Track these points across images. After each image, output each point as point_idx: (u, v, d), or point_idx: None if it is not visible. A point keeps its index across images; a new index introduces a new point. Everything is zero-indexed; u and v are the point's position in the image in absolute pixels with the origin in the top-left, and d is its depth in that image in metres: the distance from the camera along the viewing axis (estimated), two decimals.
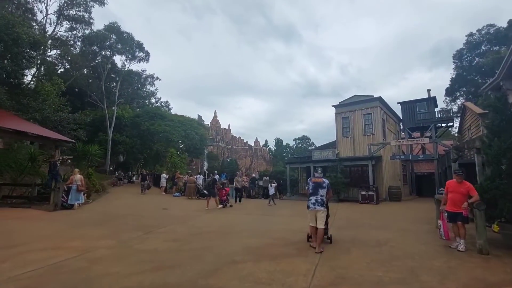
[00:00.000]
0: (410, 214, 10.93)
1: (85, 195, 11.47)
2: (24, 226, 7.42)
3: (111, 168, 34.63)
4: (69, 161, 11.75)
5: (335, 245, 5.64)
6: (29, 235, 6.37)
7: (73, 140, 11.86)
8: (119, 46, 26.59)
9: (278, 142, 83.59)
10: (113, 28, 26.56)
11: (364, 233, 6.91)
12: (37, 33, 17.03)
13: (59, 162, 10.89)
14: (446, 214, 5.69)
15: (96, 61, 28.55)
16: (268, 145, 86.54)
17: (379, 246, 5.49)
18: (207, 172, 32.61)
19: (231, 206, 12.63)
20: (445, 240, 5.92)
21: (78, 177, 10.34)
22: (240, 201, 14.14)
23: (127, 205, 12.13)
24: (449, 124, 22.92)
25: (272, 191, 14.34)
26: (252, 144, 79.17)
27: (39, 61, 21.21)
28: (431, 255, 4.94)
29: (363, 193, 14.53)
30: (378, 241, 5.92)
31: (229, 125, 74.88)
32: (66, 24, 24.39)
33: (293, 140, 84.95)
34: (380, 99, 17.49)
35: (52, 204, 9.90)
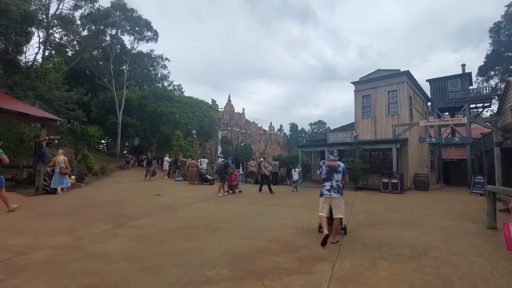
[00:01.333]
0: (444, 207, 9.07)
1: (74, 178, 10.45)
2: None
3: (125, 152, 34.35)
4: (56, 141, 10.69)
5: (353, 251, 4.08)
6: None
7: (60, 119, 10.76)
8: (123, 23, 25.21)
9: (293, 127, 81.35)
10: (118, 5, 25.17)
11: (392, 233, 5.27)
12: (32, 7, 15.80)
13: (45, 142, 9.84)
14: None
15: (105, 43, 27.50)
16: (283, 130, 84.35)
17: (418, 258, 3.85)
18: (220, 156, 31.59)
19: (240, 191, 11.50)
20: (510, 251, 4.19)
21: (61, 158, 9.23)
22: (271, 191, 11.51)
23: (120, 190, 11.04)
24: (486, 105, 20.17)
25: (296, 176, 13.23)
26: (267, 129, 77.20)
27: (40, 39, 20.43)
28: (501, 278, 3.26)
29: (386, 180, 12.68)
30: (413, 248, 4.28)
31: (243, 109, 72.74)
32: (69, 1, 23.18)
33: (309, 125, 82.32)
34: (407, 73, 15.10)
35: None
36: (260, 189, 11.95)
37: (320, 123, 79.57)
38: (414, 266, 3.51)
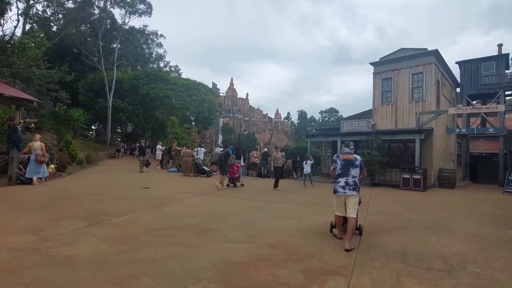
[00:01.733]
0: (475, 208, 8.57)
1: (53, 167, 10.16)
2: None
3: (118, 139, 34.13)
4: (33, 125, 10.36)
5: (372, 262, 3.66)
6: None
7: (36, 99, 10.36)
8: None
9: (302, 114, 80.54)
10: None
11: (417, 239, 4.84)
12: None
13: (20, 126, 9.50)
14: None
15: (93, 17, 26.85)
16: (291, 118, 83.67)
17: (453, 273, 3.41)
18: (219, 145, 31.28)
19: (242, 185, 11.26)
20: None
21: (37, 144, 8.90)
22: (276, 186, 10.93)
23: (105, 181, 10.76)
24: None
25: (307, 169, 12.89)
26: (273, 117, 76.38)
27: (19, 11, 19.94)
28: None
29: (406, 176, 12.18)
30: (446, 260, 3.83)
31: (247, 94, 72.20)
32: None
33: (319, 112, 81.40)
34: (435, 53, 14.29)
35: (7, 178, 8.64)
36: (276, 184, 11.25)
37: (332, 111, 78.65)
38: (451, 285, 3.07)
